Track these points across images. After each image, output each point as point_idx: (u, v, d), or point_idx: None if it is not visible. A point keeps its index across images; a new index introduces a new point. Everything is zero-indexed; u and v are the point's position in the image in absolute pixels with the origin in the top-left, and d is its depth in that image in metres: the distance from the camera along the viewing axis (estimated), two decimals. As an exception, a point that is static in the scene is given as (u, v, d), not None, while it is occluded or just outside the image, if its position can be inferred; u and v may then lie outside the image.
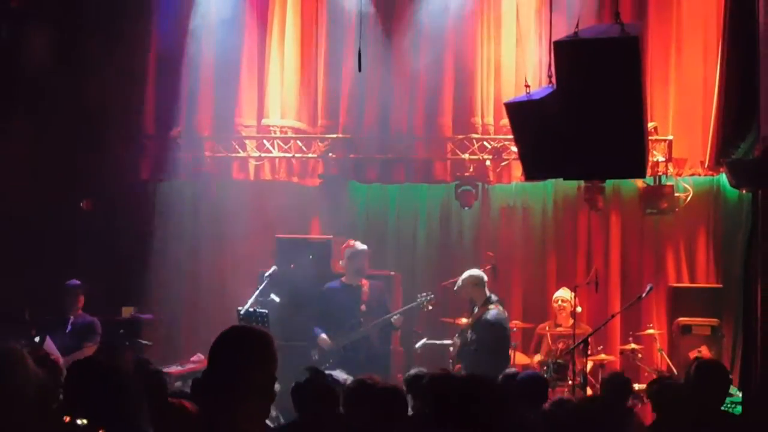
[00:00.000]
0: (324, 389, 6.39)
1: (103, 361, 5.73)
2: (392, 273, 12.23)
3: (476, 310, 10.62)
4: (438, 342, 11.45)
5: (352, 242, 11.18)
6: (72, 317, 10.77)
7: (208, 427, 3.40)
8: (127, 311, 12.41)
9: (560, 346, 11.13)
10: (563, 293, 11.61)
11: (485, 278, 10.71)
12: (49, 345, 9.99)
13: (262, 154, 13.18)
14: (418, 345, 11.25)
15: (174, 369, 10.81)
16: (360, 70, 9.66)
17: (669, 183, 12.02)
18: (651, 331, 11.52)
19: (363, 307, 10.86)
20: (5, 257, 11.68)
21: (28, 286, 11.58)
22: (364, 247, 11.12)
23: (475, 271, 10.80)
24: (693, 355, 10.83)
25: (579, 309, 11.15)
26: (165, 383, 6.48)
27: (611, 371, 9.91)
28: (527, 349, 11.85)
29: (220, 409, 3.32)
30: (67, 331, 10.64)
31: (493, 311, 10.38)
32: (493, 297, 10.62)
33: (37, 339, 10.23)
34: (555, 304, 11.69)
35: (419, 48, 12.59)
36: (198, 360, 11.28)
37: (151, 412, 5.46)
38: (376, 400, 5.93)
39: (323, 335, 10.72)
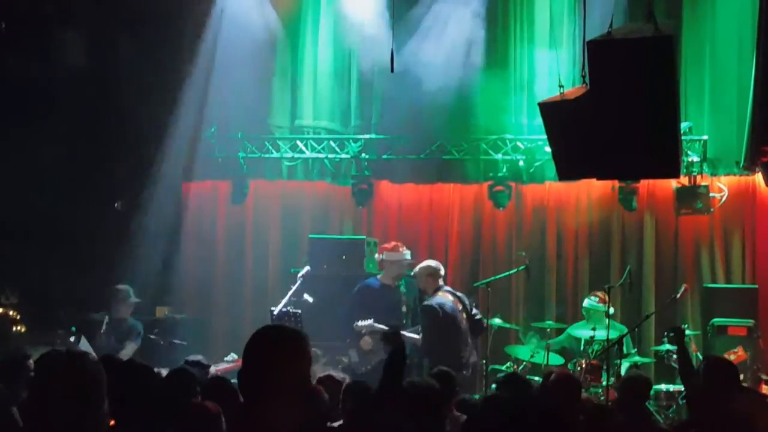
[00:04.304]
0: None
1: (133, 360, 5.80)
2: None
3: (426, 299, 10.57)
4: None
5: (397, 245, 11.10)
6: (108, 317, 10.82)
7: (242, 425, 3.42)
8: (161, 311, 12.49)
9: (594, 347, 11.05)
10: (592, 300, 11.45)
11: (441, 271, 10.66)
12: (85, 345, 10.07)
13: (296, 155, 13.23)
14: (362, 324, 10.71)
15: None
16: (393, 71, 9.66)
17: (704, 183, 11.95)
18: (686, 331, 11.42)
19: (404, 308, 10.87)
20: (40, 258, 11.78)
21: (64, 287, 11.68)
22: (408, 256, 11.05)
23: (432, 262, 10.75)
24: (728, 355, 10.74)
25: (612, 311, 11.07)
26: (193, 383, 6.51)
27: (633, 372, 9.68)
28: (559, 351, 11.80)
29: (254, 407, 3.34)
30: (102, 331, 10.69)
31: (431, 298, 10.35)
32: (445, 288, 10.57)
33: (72, 339, 10.30)
34: (585, 313, 11.57)
35: (452, 48, 12.58)
36: (232, 359, 11.32)
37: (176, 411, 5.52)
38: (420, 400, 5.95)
39: (366, 337, 10.66)
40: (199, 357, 8.45)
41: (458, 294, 10.56)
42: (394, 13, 10.73)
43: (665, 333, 11.03)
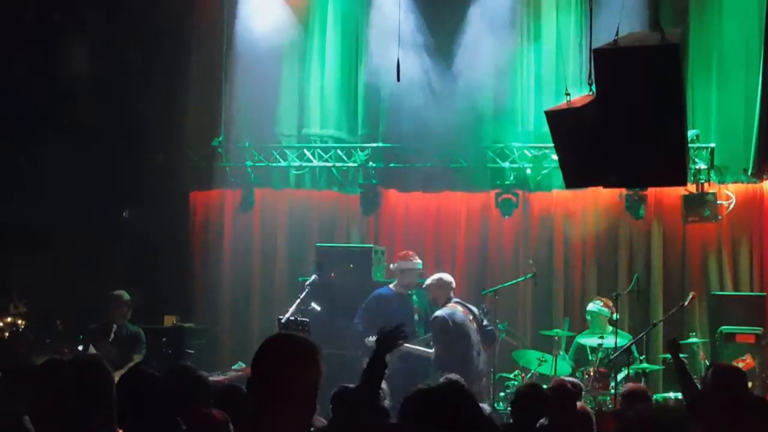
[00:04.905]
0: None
1: (151, 371, 5.79)
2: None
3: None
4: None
5: (410, 254, 11.10)
6: (115, 326, 10.82)
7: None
8: (169, 320, 12.50)
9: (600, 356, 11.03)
10: (597, 304, 11.44)
11: (452, 284, 10.64)
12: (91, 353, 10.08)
13: (303, 164, 13.25)
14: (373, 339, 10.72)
15: (216, 377, 10.85)
16: (398, 79, 9.67)
17: (711, 191, 11.94)
18: (694, 339, 11.40)
19: (416, 317, 10.87)
20: (49, 267, 11.80)
21: (71, 295, 11.70)
22: (420, 265, 11.06)
23: (443, 275, 10.75)
24: (737, 363, 10.71)
25: (616, 316, 11.07)
26: (208, 390, 6.50)
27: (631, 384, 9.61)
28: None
29: (263, 416, 3.34)
30: (110, 339, 10.69)
31: (440, 309, 10.36)
32: (455, 299, 10.55)
33: (80, 348, 10.31)
34: (589, 317, 11.53)
35: (459, 56, 12.60)
36: (240, 368, 11.32)
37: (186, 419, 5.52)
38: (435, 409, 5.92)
39: (370, 338, 10.61)
40: (187, 363, 8.42)
41: (468, 305, 10.56)
42: (400, 22, 10.73)
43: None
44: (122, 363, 9.91)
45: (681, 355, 10.84)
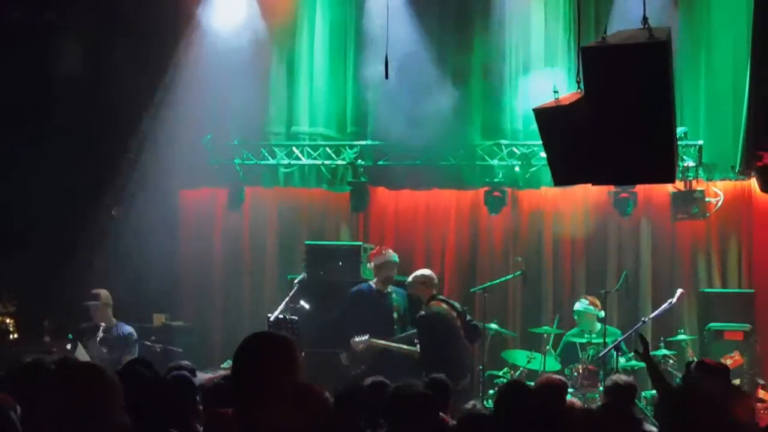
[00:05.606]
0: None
1: (142, 370, 5.78)
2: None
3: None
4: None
5: (383, 250, 11.12)
6: (104, 324, 10.77)
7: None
8: (158, 318, 12.48)
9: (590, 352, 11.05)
10: (583, 303, 11.44)
11: (435, 279, 10.65)
12: (81, 353, 10.05)
13: (292, 161, 13.23)
14: (358, 339, 10.56)
15: (205, 376, 10.82)
16: (387, 77, 9.66)
17: (699, 188, 11.96)
18: (682, 336, 11.44)
19: (395, 315, 10.86)
20: (36, 266, 11.76)
21: (60, 294, 11.67)
22: (395, 258, 11.06)
23: (426, 271, 10.76)
24: (725, 360, 10.74)
25: (602, 314, 11.07)
26: (194, 390, 6.51)
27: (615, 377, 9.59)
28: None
29: (243, 415, 3.34)
30: (98, 339, 10.65)
31: (425, 308, 10.36)
32: (439, 296, 10.57)
33: (68, 346, 10.28)
34: (576, 316, 11.52)
35: (448, 54, 12.60)
36: (229, 366, 11.28)
37: (180, 418, 5.51)
38: (414, 406, 5.92)
39: (356, 339, 10.61)
40: (184, 362, 8.42)
41: (451, 302, 10.55)
42: (388, 19, 10.72)
43: (661, 339, 11.10)
44: (113, 363, 9.90)
45: (670, 352, 11.00)
